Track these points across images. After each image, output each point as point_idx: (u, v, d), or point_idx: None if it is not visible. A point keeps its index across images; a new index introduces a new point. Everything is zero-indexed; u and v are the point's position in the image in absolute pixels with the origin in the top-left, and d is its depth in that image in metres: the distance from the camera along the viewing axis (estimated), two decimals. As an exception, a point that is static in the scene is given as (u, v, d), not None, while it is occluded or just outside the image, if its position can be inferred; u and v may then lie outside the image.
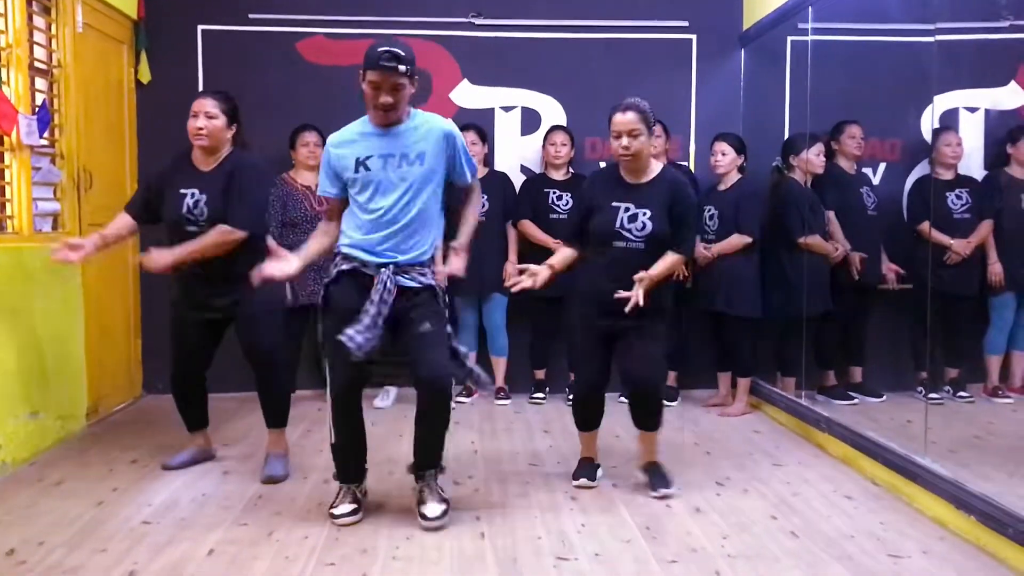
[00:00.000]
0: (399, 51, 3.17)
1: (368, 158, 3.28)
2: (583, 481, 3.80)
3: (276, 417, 3.99)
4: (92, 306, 4.75)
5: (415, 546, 3.12)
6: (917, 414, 4.85)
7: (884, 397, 5.29)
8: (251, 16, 5.50)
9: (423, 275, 3.31)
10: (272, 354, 3.89)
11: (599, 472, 3.91)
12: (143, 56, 5.40)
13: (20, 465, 3.99)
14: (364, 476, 3.52)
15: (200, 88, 5.49)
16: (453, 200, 3.51)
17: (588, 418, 3.87)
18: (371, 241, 3.29)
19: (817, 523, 3.36)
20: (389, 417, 4.96)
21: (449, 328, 3.39)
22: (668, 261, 3.58)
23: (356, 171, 3.29)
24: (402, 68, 3.17)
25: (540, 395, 5.48)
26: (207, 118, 3.77)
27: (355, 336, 3.14)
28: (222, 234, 3.68)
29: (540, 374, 5.55)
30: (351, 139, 3.35)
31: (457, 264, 3.39)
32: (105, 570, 2.89)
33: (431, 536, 3.21)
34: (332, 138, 3.40)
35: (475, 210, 3.59)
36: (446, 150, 3.33)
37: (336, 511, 3.37)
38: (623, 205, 3.62)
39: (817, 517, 3.43)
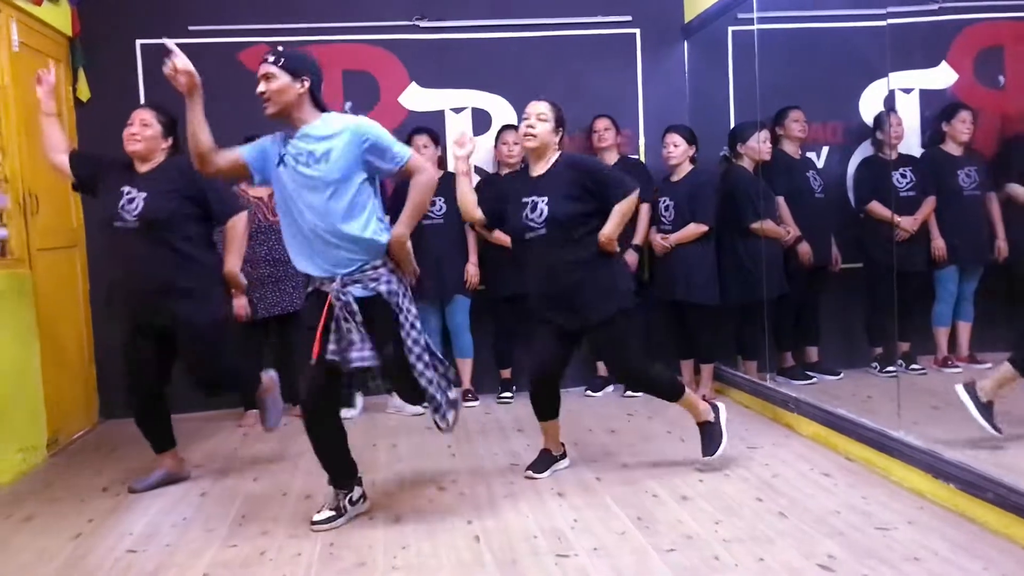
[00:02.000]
0: (284, 48, 3.30)
1: (284, 155, 3.28)
2: (528, 473, 3.92)
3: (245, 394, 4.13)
4: (46, 335, 4.60)
5: (412, 555, 3.10)
6: (875, 389, 5.02)
7: (841, 375, 5.42)
8: (191, 28, 5.39)
9: (375, 279, 3.28)
10: (219, 371, 3.95)
11: (561, 464, 4.00)
12: (81, 73, 5.25)
13: (-15, 502, 3.86)
14: (353, 483, 3.51)
15: (141, 103, 5.35)
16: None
17: (539, 408, 3.96)
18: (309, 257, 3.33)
19: (802, 502, 3.44)
20: (360, 426, 4.91)
21: (411, 335, 3.34)
22: (615, 214, 3.72)
23: (280, 165, 3.30)
24: (271, 58, 3.24)
25: (508, 394, 5.48)
26: (141, 125, 3.86)
27: (354, 356, 3.20)
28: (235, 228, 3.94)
29: (506, 373, 5.55)
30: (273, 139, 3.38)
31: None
32: (97, 603, 2.82)
33: (426, 544, 3.19)
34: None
35: (420, 189, 3.34)
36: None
37: (315, 516, 3.43)
38: (529, 200, 3.76)
39: (801, 496, 3.51)
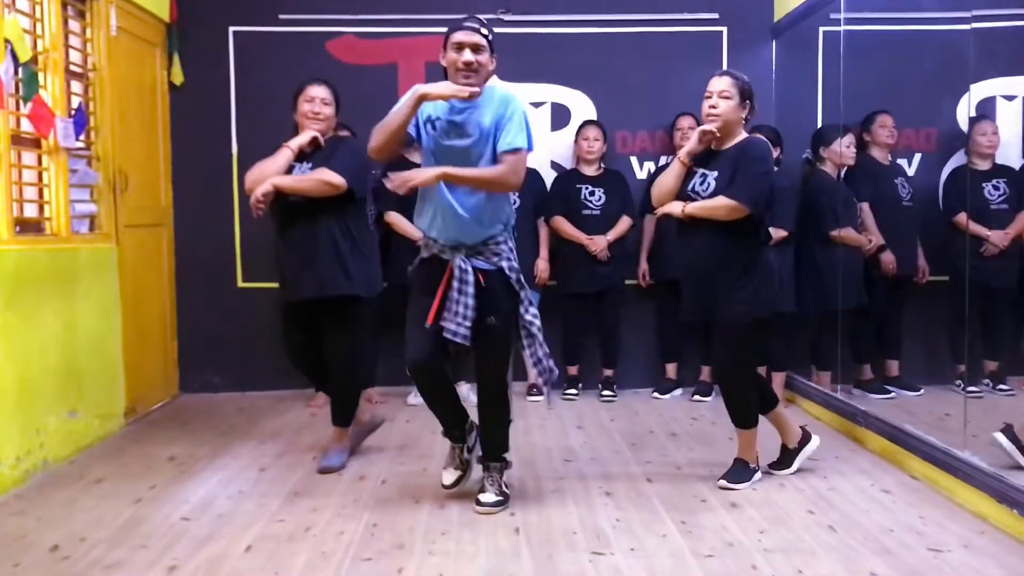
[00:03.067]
0: (481, 18, 3.34)
1: (436, 119, 3.33)
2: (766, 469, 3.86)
3: (341, 415, 4.07)
4: (129, 307, 4.80)
5: (451, 541, 3.13)
6: (955, 407, 4.80)
7: (922, 391, 5.23)
8: (281, 17, 5.54)
9: (497, 254, 3.35)
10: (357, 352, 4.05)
11: (805, 452, 3.90)
12: (175, 58, 5.46)
13: (60, 463, 4.05)
14: (465, 434, 3.60)
15: (232, 89, 5.55)
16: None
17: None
18: (439, 220, 3.37)
19: (855, 517, 3.33)
20: (423, 413, 4.96)
21: (527, 316, 3.39)
22: (713, 200, 3.56)
23: (429, 127, 3.35)
24: (484, 31, 3.28)
25: (573, 391, 5.46)
26: (323, 104, 3.91)
27: (450, 327, 3.27)
28: (322, 174, 3.76)
29: (572, 370, 5.53)
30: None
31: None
32: (146, 566, 2.93)
33: (467, 532, 3.21)
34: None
35: (492, 172, 3.33)
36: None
37: (444, 480, 3.59)
38: (699, 170, 3.66)
39: (855, 511, 3.39)
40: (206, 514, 3.42)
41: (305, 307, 3.92)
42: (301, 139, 3.86)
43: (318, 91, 3.93)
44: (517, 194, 5.19)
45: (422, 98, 3.23)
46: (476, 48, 3.25)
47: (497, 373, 3.45)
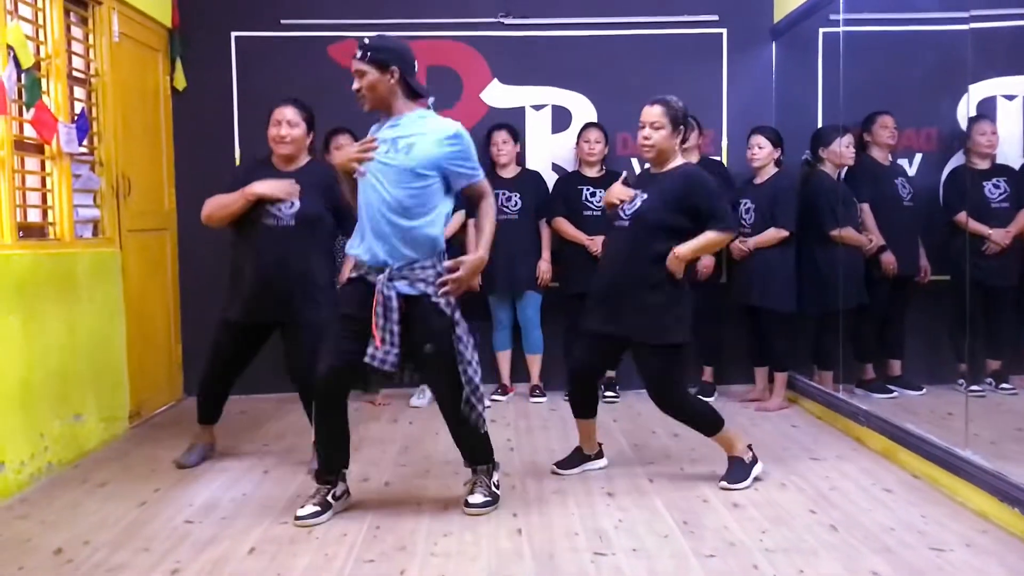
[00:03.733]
0: (370, 41, 3.31)
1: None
2: (553, 468, 3.97)
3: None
4: (133, 311, 4.82)
5: (453, 542, 3.14)
6: (957, 407, 4.80)
7: (924, 390, 5.23)
8: (283, 22, 5.56)
9: (424, 280, 3.28)
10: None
11: (595, 464, 3.99)
12: (178, 63, 5.48)
13: (65, 467, 4.07)
14: (335, 482, 3.47)
15: (235, 94, 5.58)
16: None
17: (574, 400, 4.02)
18: (368, 242, 3.36)
19: (856, 516, 3.33)
20: (425, 415, 4.99)
21: (460, 335, 3.33)
22: (704, 237, 3.61)
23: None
24: (358, 54, 3.28)
25: (575, 392, 5.47)
26: (289, 125, 3.88)
27: (378, 355, 3.23)
28: None
29: (575, 372, 5.54)
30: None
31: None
32: (148, 569, 2.94)
33: (469, 533, 3.22)
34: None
35: (490, 216, 3.44)
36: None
37: (297, 511, 3.38)
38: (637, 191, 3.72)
39: (856, 510, 3.40)
40: (209, 517, 3.44)
41: (256, 328, 3.94)
42: (264, 189, 3.79)
43: (284, 112, 3.89)
44: (518, 195, 5.26)
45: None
46: (359, 74, 3.27)
47: (451, 395, 3.35)
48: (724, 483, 3.70)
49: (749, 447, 3.81)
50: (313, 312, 3.81)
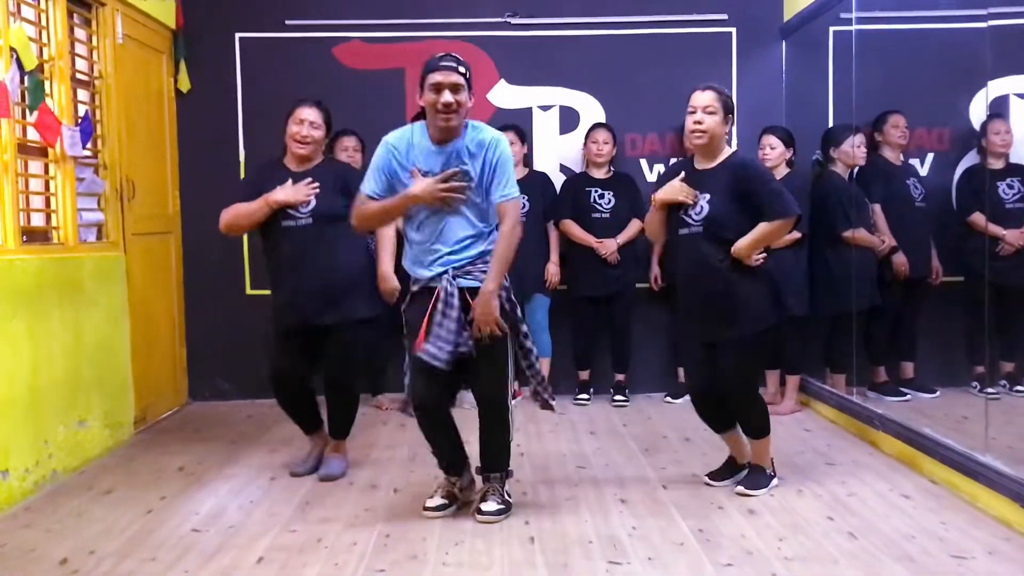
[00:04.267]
0: (458, 56, 3.28)
1: (419, 167, 3.28)
2: (705, 479, 3.83)
3: (341, 428, 4.06)
4: (137, 315, 4.78)
5: (465, 552, 3.08)
6: (972, 409, 4.75)
7: (937, 392, 5.17)
8: (288, 23, 5.51)
9: (485, 271, 3.28)
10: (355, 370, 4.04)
11: (741, 473, 3.80)
12: (182, 65, 5.44)
13: (70, 473, 4.02)
14: (461, 472, 3.53)
15: (239, 96, 5.52)
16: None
17: (708, 419, 3.82)
18: (423, 255, 3.33)
19: (875, 523, 3.27)
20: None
21: (516, 331, 3.37)
22: (759, 230, 3.46)
23: (406, 174, 3.30)
24: (461, 69, 3.22)
25: (584, 396, 5.42)
26: (312, 127, 3.85)
27: (430, 349, 3.21)
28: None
29: (584, 375, 5.49)
30: (409, 142, 3.33)
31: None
32: (156, 579, 2.90)
33: (481, 541, 3.17)
34: (390, 137, 3.37)
35: (506, 242, 3.31)
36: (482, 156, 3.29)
37: (427, 503, 3.47)
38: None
39: (875, 517, 3.34)
40: (216, 525, 3.38)
41: (305, 332, 3.86)
42: (285, 196, 3.78)
43: (308, 113, 3.86)
44: (526, 197, 5.19)
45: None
46: (455, 88, 3.19)
47: (489, 391, 3.35)
48: (742, 488, 3.64)
49: (772, 461, 3.75)
50: (361, 308, 3.82)
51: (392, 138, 3.35)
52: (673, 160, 5.52)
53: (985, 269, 4.72)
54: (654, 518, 3.38)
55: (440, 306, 3.23)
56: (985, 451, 3.53)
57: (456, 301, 3.24)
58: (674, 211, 3.60)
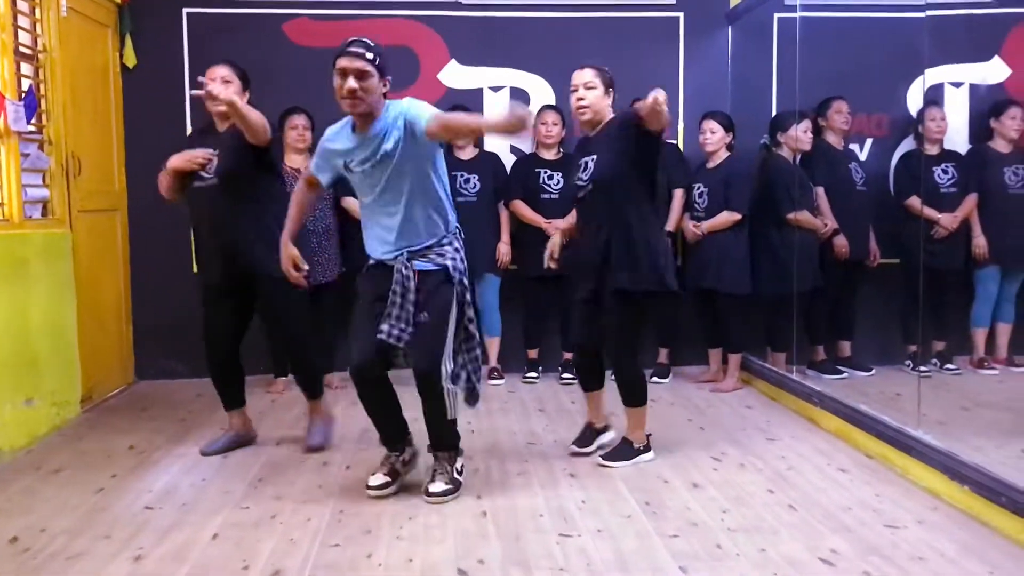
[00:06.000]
0: (368, 41, 3.23)
1: (350, 162, 3.33)
2: (571, 448, 3.95)
3: (304, 387, 4.15)
4: (84, 293, 4.73)
5: (418, 526, 3.14)
6: (906, 387, 4.93)
7: (873, 371, 5.36)
8: (236, -2, 5.47)
9: (441, 255, 3.35)
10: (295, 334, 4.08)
11: (602, 438, 3.97)
12: (128, 40, 5.35)
13: (17, 452, 3.98)
14: (402, 447, 3.56)
15: (186, 71, 5.46)
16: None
17: (583, 379, 3.99)
18: (381, 239, 3.37)
19: (814, 496, 3.41)
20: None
21: (460, 313, 3.39)
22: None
23: (346, 171, 3.38)
24: (368, 55, 3.17)
25: (533, 374, 5.50)
26: (223, 82, 3.85)
27: (386, 329, 3.26)
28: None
29: (533, 353, 5.57)
30: (340, 137, 3.38)
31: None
32: (110, 556, 2.90)
33: (434, 515, 3.23)
34: (328, 132, 3.46)
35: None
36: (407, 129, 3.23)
37: (369, 481, 3.46)
38: (584, 159, 3.76)
39: (813, 490, 3.48)
40: (169, 502, 3.40)
41: (226, 292, 3.92)
42: (174, 163, 3.85)
43: (217, 71, 3.88)
44: (477, 177, 5.24)
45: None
46: (360, 74, 3.15)
47: (422, 365, 3.32)
48: (601, 459, 3.81)
49: (648, 436, 3.88)
50: (268, 262, 3.74)
51: (328, 133, 3.45)
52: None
53: (920, 252, 4.91)
54: (602, 492, 3.47)
55: (398, 289, 3.27)
56: (917, 426, 3.69)
57: (413, 284, 3.28)
58: (571, 178, 3.86)
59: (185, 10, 5.46)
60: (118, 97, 5.37)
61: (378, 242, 3.39)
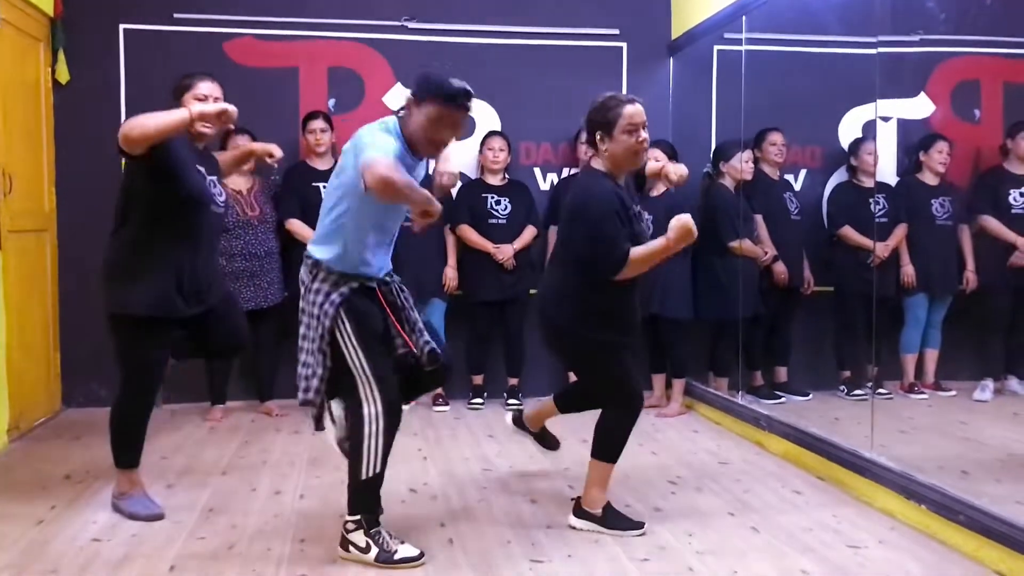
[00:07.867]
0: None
1: None
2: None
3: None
4: (12, 318, 4.50)
5: (385, 554, 3.07)
6: (842, 411, 5.08)
7: (811, 395, 5.47)
8: (176, 16, 5.33)
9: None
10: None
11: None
12: (60, 55, 5.16)
13: (-56, 485, 3.76)
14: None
15: (122, 89, 5.30)
16: None
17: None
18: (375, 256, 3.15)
19: (774, 518, 3.45)
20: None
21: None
22: None
23: None
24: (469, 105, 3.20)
25: (479, 400, 5.46)
26: (215, 101, 3.47)
27: (433, 344, 3.20)
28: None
29: (477, 379, 5.52)
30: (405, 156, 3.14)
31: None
32: (61, 592, 2.75)
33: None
34: (388, 144, 3.04)
35: None
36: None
37: (407, 554, 3.00)
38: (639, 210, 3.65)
39: (772, 512, 3.52)
40: (118, 534, 3.24)
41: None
42: (206, 108, 3.29)
43: (209, 88, 3.55)
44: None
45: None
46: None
47: (450, 361, 3.35)
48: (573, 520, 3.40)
49: (604, 508, 3.37)
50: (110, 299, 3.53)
51: (395, 149, 3.07)
52: (568, 170, 5.65)
53: (854, 280, 5.05)
54: (565, 516, 3.44)
55: (401, 302, 3.18)
56: (871, 448, 3.78)
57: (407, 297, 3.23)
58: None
59: (122, 26, 5.30)
60: (49, 114, 5.17)
61: (369, 257, 3.10)
